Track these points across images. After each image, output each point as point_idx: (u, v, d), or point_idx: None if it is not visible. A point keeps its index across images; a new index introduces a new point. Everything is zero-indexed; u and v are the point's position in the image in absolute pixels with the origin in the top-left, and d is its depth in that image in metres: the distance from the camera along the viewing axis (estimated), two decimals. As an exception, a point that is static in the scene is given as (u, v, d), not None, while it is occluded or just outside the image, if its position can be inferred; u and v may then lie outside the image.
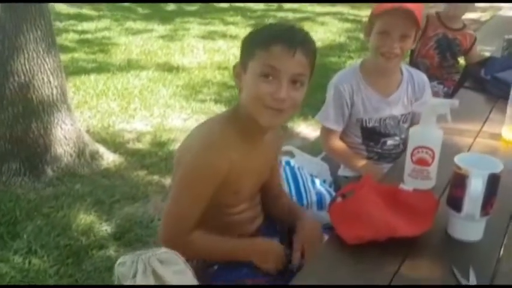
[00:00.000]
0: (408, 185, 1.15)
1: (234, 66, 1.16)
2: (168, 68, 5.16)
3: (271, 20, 7.70)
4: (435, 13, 2.68)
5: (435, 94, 2.61)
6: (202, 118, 4.06)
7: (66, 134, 2.94)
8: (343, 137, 1.77)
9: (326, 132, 1.75)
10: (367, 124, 1.72)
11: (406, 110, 1.74)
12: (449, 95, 2.53)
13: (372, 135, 1.74)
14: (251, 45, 1.08)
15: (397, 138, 1.75)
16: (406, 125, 1.75)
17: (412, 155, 1.15)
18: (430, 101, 1.09)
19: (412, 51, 2.76)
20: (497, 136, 1.45)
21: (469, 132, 1.50)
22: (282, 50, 1.04)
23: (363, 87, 1.69)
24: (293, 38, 1.06)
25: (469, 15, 7.25)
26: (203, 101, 4.30)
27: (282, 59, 1.04)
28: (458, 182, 0.95)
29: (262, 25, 1.14)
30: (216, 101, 4.28)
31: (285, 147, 2.06)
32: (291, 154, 2.01)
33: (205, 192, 1.08)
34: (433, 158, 1.13)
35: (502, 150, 1.40)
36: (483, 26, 7.40)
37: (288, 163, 1.82)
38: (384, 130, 1.73)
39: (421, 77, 1.78)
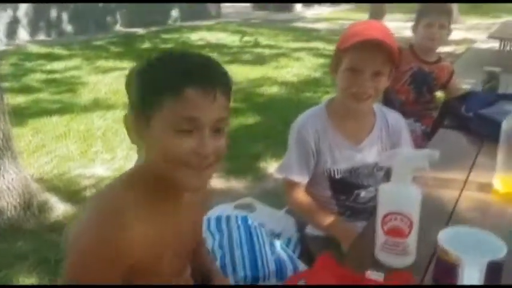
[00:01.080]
0: (380, 258, 0.87)
1: (125, 118, 0.86)
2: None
3: (247, 57, 7.56)
4: (408, 46, 2.47)
5: (412, 133, 2.36)
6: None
7: (9, 184, 2.64)
8: (309, 189, 1.50)
9: (289, 185, 1.47)
10: (336, 175, 1.45)
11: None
12: (428, 134, 2.29)
13: (343, 187, 1.46)
14: (154, 91, 0.81)
15: (371, 189, 1.48)
16: (381, 173, 1.48)
17: (383, 223, 0.87)
18: (403, 153, 0.83)
19: (386, 88, 2.53)
20: (487, 187, 1.19)
21: (453, 182, 1.24)
22: (199, 95, 0.78)
23: (330, 132, 1.44)
24: (210, 76, 0.81)
25: (443, 49, 7.22)
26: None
27: (200, 106, 0.78)
28: (445, 270, 0.68)
29: (156, 58, 0.85)
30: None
31: (244, 200, 1.77)
32: (251, 207, 1.72)
33: (105, 281, 0.79)
34: (410, 227, 0.86)
35: (495, 206, 1.13)
36: (458, 59, 7.34)
37: (244, 220, 1.53)
38: (356, 181, 1.46)
39: (397, 118, 1.53)
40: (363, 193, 1.47)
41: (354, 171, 1.45)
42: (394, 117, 1.52)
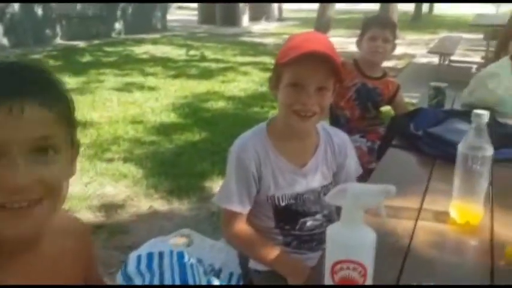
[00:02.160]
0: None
1: None
2: (74, 124, 4.57)
3: (194, 71, 7.38)
4: (352, 61, 2.38)
5: (358, 149, 2.27)
6: (107, 181, 3.54)
7: None
8: (251, 219, 1.33)
9: (227, 215, 1.30)
10: (281, 202, 1.30)
11: (326, 179, 1.34)
12: (374, 150, 2.20)
13: (287, 216, 1.31)
14: None
15: (318, 216, 1.34)
16: None
17: (333, 272, 0.72)
18: (353, 190, 0.68)
19: (331, 103, 2.44)
20: (443, 216, 1.08)
21: (407, 211, 1.11)
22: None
23: (272, 156, 1.28)
24: (11, 85, 0.60)
25: (385, 63, 7.38)
26: (110, 160, 3.75)
27: (1, 125, 0.58)
28: None
29: None
30: (125, 160, 3.74)
31: (182, 231, 1.58)
32: (189, 240, 1.54)
33: None
34: (364, 276, 0.71)
35: (454, 238, 1.01)
36: (400, 73, 7.51)
37: (180, 257, 1.34)
38: (302, 208, 1.31)
39: (342, 137, 1.40)
40: (309, 222, 1.32)
41: (299, 197, 1.30)
42: (339, 136, 1.39)
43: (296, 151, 1.31)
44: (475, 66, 6.81)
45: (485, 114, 1.00)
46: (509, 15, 3.16)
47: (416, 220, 1.07)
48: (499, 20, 6.59)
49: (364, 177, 1.50)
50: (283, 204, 1.30)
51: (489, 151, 1.03)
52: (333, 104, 2.43)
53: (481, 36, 7.05)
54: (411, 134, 1.61)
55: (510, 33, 3.27)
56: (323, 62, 1.17)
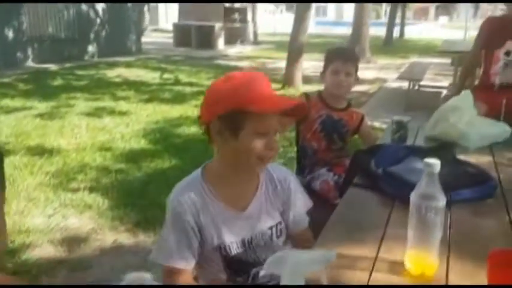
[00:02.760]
0: None
1: None
2: (41, 152, 4.44)
3: (167, 95, 7.32)
4: (317, 93, 2.38)
5: (324, 183, 2.26)
6: (71, 213, 3.42)
7: None
8: (203, 273, 1.26)
9: (169, 273, 1.20)
10: (229, 252, 1.23)
11: (274, 219, 1.28)
12: (341, 185, 2.17)
13: (239, 267, 1.24)
14: None
15: (272, 264, 1.28)
16: (282, 239, 1.30)
17: None
18: (292, 258, 0.64)
19: (297, 136, 2.43)
20: (399, 267, 1.04)
21: (362, 261, 1.07)
22: None
23: (210, 203, 1.21)
24: None
25: (358, 88, 7.46)
26: (76, 190, 3.63)
27: None
28: None
29: None
30: (91, 190, 3.64)
31: (136, 276, 1.50)
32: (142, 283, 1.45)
33: None
34: None
35: (408, 292, 0.98)
36: (372, 98, 7.62)
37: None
38: (253, 257, 1.25)
39: (284, 174, 1.35)
40: (262, 272, 1.27)
41: (248, 244, 1.24)
42: (281, 173, 1.34)
43: (236, 194, 1.25)
44: (444, 90, 6.97)
45: (437, 164, 0.98)
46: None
47: (371, 272, 1.03)
48: (465, 47, 6.77)
49: (329, 214, 1.46)
50: (232, 254, 1.23)
51: (442, 201, 1.01)
52: (300, 136, 2.42)
53: (449, 60, 7.23)
54: (371, 171, 1.59)
55: (474, 61, 3.34)
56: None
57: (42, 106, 6.23)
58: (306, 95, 2.37)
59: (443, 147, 1.68)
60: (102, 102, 6.66)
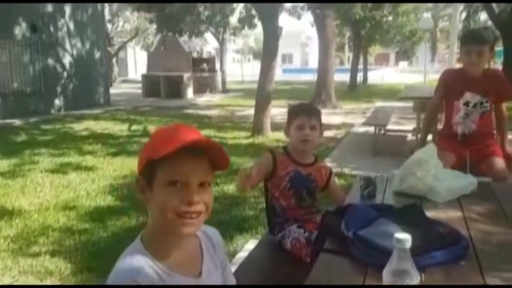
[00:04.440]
0: None
1: None
2: (0, 214, 4.21)
3: (135, 147, 7.20)
4: (283, 150, 2.35)
5: (296, 240, 2.18)
6: (31, 281, 3.19)
7: None
8: None
9: None
10: None
11: (219, 281, 1.19)
12: (312, 242, 2.10)
13: None
14: None
15: None
16: None
17: None
18: None
19: (266, 194, 2.37)
20: None
21: None
22: None
23: (165, 277, 1.07)
24: None
25: (325, 133, 7.55)
26: (36, 255, 3.41)
27: None
28: None
29: None
30: (53, 254, 3.42)
31: None
32: None
33: None
34: None
35: None
36: (340, 143, 7.70)
37: None
38: None
39: (214, 232, 1.26)
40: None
41: None
42: (212, 231, 1.25)
43: (184, 260, 1.12)
44: (409, 134, 7.13)
45: (408, 239, 0.94)
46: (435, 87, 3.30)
47: None
48: (424, 92, 7.01)
49: (301, 273, 1.38)
50: None
51: (415, 278, 0.95)
52: (269, 194, 2.37)
53: (411, 104, 7.45)
54: (342, 234, 1.53)
55: (435, 110, 3.39)
56: (203, 153, 1.06)
57: (3, 164, 5.99)
58: (272, 152, 2.33)
59: (412, 207, 1.65)
60: (67, 157, 6.47)
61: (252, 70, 25.93)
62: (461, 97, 3.02)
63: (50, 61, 11.44)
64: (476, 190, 2.13)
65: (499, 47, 11.84)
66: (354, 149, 7.17)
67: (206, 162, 1.08)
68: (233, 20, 18.33)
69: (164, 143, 1.04)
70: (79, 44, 12.34)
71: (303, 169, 2.30)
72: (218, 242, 1.24)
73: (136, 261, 1.06)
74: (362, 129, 8.57)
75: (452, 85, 3.07)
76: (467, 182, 2.15)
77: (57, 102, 11.58)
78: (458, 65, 3.32)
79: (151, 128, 8.97)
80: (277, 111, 9.88)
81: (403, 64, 43.21)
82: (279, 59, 8.80)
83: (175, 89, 15.27)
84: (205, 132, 8.54)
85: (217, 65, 18.81)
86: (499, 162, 2.96)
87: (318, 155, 2.54)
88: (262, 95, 8.17)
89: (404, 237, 0.93)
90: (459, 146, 3.05)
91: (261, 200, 4.28)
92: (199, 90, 16.69)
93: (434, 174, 2.05)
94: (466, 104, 3.02)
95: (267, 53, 8.17)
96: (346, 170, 5.58)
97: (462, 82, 3.01)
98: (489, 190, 2.25)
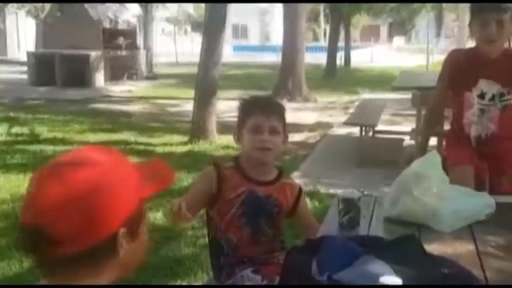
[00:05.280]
0: None
1: None
2: None
3: (18, 159, 7.02)
4: (232, 162, 2.35)
5: (252, 290, 2.21)
6: None
7: None
8: None
9: None
10: None
11: None
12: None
13: None
14: None
15: None
16: None
17: None
18: None
19: (208, 226, 2.36)
20: None
21: None
22: None
23: None
24: None
25: (294, 137, 7.63)
26: None
27: None
28: None
29: None
30: None
31: None
32: None
33: None
34: None
35: None
36: (313, 151, 7.80)
37: None
38: None
39: None
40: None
41: None
42: None
43: None
44: (406, 137, 7.25)
45: (397, 284, 0.96)
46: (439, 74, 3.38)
47: None
48: (428, 80, 7.00)
49: None
50: None
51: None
52: (212, 226, 2.37)
53: (410, 95, 7.56)
54: (313, 280, 1.56)
55: (439, 105, 3.48)
56: None
57: None
58: (216, 165, 2.34)
59: (407, 240, 1.71)
60: None
61: (190, 47, 25.90)
62: (473, 87, 3.09)
63: None
64: (494, 214, 2.20)
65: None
66: (332, 159, 7.30)
67: None
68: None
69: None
70: None
71: (260, 189, 2.32)
72: None
73: None
74: (343, 131, 8.74)
75: (461, 70, 3.14)
76: (482, 203, 2.22)
77: None
78: (471, 43, 3.41)
79: (43, 131, 8.78)
80: (226, 106, 9.92)
81: (399, 40, 44.42)
82: (228, 31, 8.81)
83: (78, 73, 14.99)
84: (123, 136, 8.47)
85: (140, 40, 18.63)
86: None
87: (283, 168, 2.57)
88: (205, 84, 8.16)
89: (393, 282, 0.97)
90: (473, 154, 3.13)
91: (202, 233, 4.28)
92: (114, 75, 16.47)
93: (437, 193, 2.12)
94: (481, 96, 3.10)
95: (212, 24, 8.19)
96: (322, 188, 5.67)
97: (475, 66, 3.09)
98: (512, 214, 2.34)
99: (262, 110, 2.30)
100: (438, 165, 2.21)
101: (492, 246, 1.98)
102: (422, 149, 3.34)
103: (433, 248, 1.82)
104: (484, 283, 1.64)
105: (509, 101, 3.10)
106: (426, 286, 1.48)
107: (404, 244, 1.70)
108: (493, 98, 3.09)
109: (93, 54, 15.33)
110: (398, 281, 0.97)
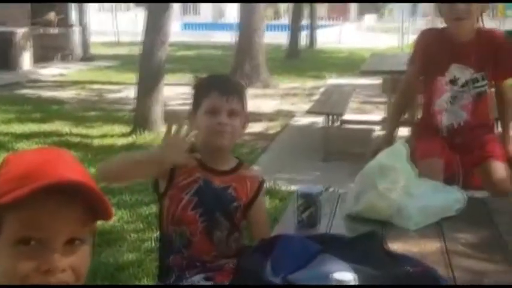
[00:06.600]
0: None
1: None
2: None
3: None
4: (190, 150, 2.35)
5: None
6: None
7: None
8: None
9: None
10: None
11: None
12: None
13: None
14: None
15: None
16: None
17: None
18: None
19: (160, 217, 2.35)
20: None
21: None
22: None
23: None
24: None
25: (251, 128, 7.63)
26: None
27: None
28: None
29: None
30: None
31: None
32: None
33: None
34: None
35: None
36: (273, 143, 7.85)
37: None
38: None
39: None
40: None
41: None
42: None
43: None
44: (377, 127, 7.36)
45: (350, 281, 1.04)
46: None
47: None
48: (401, 63, 7.09)
49: None
50: None
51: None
52: (163, 217, 2.35)
53: (380, 81, 7.63)
54: (267, 282, 1.62)
55: (409, 90, 3.55)
56: (74, 195, 1.16)
57: None
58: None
59: (369, 237, 1.78)
60: None
61: (132, 25, 25.58)
62: (446, 71, 3.16)
63: None
64: (465, 210, 2.29)
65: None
66: (294, 152, 7.35)
67: (79, 208, 1.18)
68: None
69: (15, 180, 1.14)
70: None
71: (216, 179, 2.30)
72: None
73: None
74: (307, 121, 8.80)
75: (433, 53, 3.21)
76: (452, 198, 2.31)
77: None
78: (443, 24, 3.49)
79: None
80: (174, 91, 9.91)
81: (370, 18, 44.55)
82: (176, 7, 8.74)
83: (0, 54, 14.73)
84: (55, 126, 8.38)
85: (74, 16, 18.38)
86: (500, 168, 3.11)
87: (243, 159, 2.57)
88: (150, 67, 8.12)
89: (346, 278, 1.04)
90: (444, 145, 3.21)
91: (148, 236, 4.31)
92: (43, 56, 16.22)
93: (404, 188, 2.20)
94: (453, 81, 3.17)
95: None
96: (282, 185, 5.70)
97: (447, 49, 3.16)
98: (484, 210, 2.44)
99: (220, 89, 2.30)
100: (404, 156, 2.27)
101: (462, 243, 2.06)
102: (387, 139, 3.38)
103: (397, 246, 1.89)
104: (451, 283, 1.72)
105: (483, 87, 3.18)
106: (388, 286, 1.56)
107: (364, 242, 1.75)
108: (466, 84, 3.16)
109: (19, 31, 15.05)
110: (350, 276, 1.03)
